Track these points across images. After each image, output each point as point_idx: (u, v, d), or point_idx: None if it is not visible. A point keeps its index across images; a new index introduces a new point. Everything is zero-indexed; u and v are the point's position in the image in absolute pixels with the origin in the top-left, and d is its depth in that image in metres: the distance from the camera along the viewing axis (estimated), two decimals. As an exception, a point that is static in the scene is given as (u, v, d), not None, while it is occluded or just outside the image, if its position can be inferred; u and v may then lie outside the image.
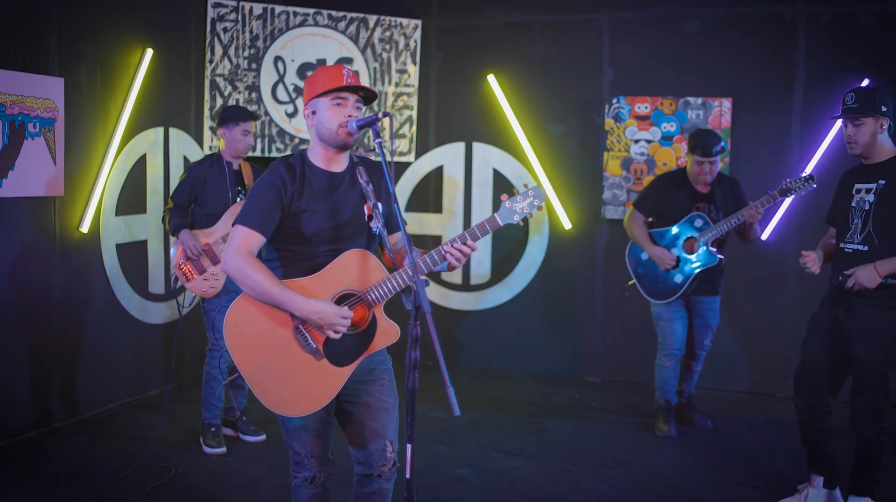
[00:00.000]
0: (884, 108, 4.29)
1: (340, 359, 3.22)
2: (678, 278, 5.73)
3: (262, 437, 5.66)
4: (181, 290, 5.47)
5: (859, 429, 4.37)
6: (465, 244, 3.18)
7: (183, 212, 5.42)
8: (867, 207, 4.30)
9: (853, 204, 4.38)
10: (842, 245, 4.43)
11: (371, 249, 3.34)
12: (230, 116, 5.41)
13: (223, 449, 5.46)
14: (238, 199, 5.41)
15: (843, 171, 4.64)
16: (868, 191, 4.33)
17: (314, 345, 3.20)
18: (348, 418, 3.40)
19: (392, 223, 3.44)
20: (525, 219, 3.29)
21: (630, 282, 6.05)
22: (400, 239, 3.47)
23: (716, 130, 6.83)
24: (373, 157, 5.76)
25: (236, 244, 3.18)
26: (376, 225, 3.24)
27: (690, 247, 5.70)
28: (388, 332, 3.27)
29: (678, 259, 5.70)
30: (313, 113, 3.29)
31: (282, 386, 3.20)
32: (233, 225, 3.26)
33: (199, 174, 5.41)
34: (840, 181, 4.60)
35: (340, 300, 3.21)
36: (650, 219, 5.93)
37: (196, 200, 5.42)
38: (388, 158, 3.10)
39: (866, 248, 4.29)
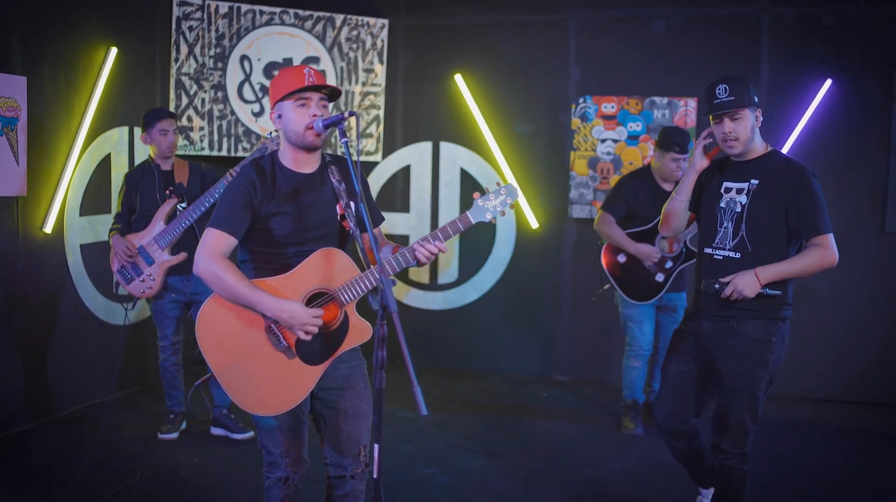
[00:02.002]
0: (756, 99, 3.91)
1: (312, 357, 3.23)
2: (660, 277, 5.72)
3: (251, 434, 5.61)
4: (131, 296, 5.56)
5: (721, 456, 3.96)
6: (435, 243, 3.22)
7: (125, 218, 5.55)
8: (738, 209, 3.90)
9: (722, 205, 3.95)
10: (708, 251, 4.01)
11: (346, 248, 3.34)
12: (146, 120, 5.54)
13: (174, 436, 5.67)
14: (167, 199, 5.48)
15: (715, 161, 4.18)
16: (739, 191, 3.92)
17: (286, 344, 3.20)
18: (325, 422, 3.42)
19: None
20: (496, 217, 3.32)
21: (605, 287, 5.96)
22: (378, 236, 3.47)
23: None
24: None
25: (207, 247, 3.20)
26: (350, 224, 3.23)
27: (670, 245, 5.71)
28: (360, 331, 3.28)
29: (661, 257, 5.70)
30: (279, 117, 3.29)
31: (254, 386, 3.21)
32: (205, 228, 3.28)
33: (132, 180, 5.57)
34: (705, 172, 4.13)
35: (311, 299, 3.22)
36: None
37: (133, 206, 5.56)
38: (355, 158, 3.09)
39: (738, 256, 3.89)
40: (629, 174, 6.03)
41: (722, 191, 3.98)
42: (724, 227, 3.94)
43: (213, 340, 3.21)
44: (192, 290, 5.51)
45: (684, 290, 5.94)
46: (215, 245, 3.20)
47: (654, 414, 4.24)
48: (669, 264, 5.72)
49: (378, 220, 3.54)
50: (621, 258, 5.80)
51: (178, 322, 5.62)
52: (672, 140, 5.62)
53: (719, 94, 3.87)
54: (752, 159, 3.96)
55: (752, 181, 3.90)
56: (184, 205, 5.45)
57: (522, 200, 7.39)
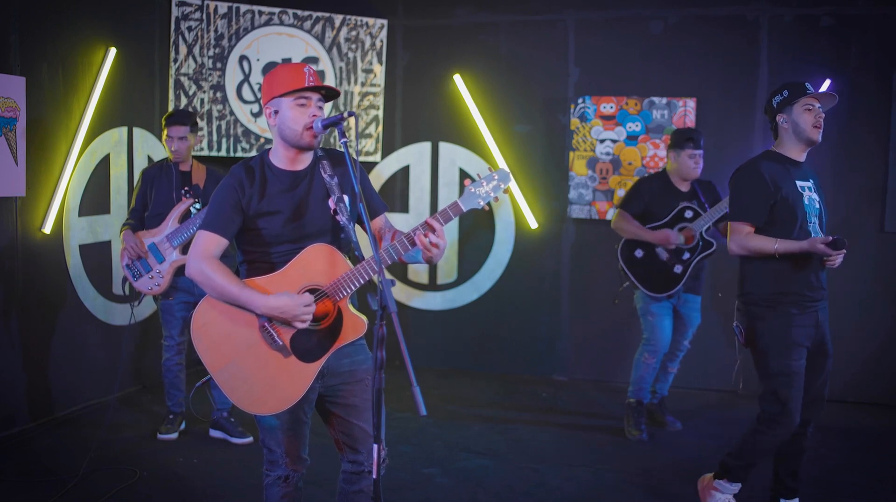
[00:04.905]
0: None
1: (308, 355, 3.23)
2: (678, 268, 5.74)
3: (250, 439, 5.59)
4: (137, 293, 5.58)
5: (812, 427, 4.38)
6: (430, 222, 3.16)
7: (139, 214, 5.59)
8: (817, 206, 4.27)
9: (806, 202, 4.22)
10: None
11: (342, 244, 3.33)
12: (163, 122, 5.62)
13: (173, 436, 5.67)
14: (183, 198, 5.51)
15: (762, 166, 4.28)
16: (810, 189, 4.26)
17: (280, 343, 3.20)
18: (335, 419, 3.41)
19: (371, 210, 3.42)
20: (490, 204, 3.26)
21: (625, 285, 5.94)
22: (383, 225, 3.48)
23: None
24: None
25: (198, 248, 3.22)
26: (342, 218, 3.22)
27: (687, 237, 5.74)
28: (355, 326, 3.27)
29: (678, 248, 5.74)
30: (275, 112, 3.28)
31: (251, 385, 3.21)
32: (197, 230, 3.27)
33: (148, 177, 5.61)
34: (767, 175, 4.22)
35: None
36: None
37: (146, 202, 5.59)
38: (354, 157, 3.09)
39: None
40: (646, 176, 6.12)
41: (801, 189, 4.24)
42: (813, 223, 4.25)
43: (208, 342, 3.22)
44: (201, 292, 5.50)
45: (700, 294, 5.95)
46: (206, 246, 3.21)
47: (794, 410, 4.31)
48: (686, 255, 5.75)
49: (380, 210, 3.49)
50: (638, 253, 5.84)
51: (185, 322, 5.63)
52: (686, 137, 5.76)
53: (816, 89, 4.24)
54: (803, 161, 4.32)
55: (812, 180, 4.30)
56: (198, 206, 5.48)
57: (522, 201, 7.39)
